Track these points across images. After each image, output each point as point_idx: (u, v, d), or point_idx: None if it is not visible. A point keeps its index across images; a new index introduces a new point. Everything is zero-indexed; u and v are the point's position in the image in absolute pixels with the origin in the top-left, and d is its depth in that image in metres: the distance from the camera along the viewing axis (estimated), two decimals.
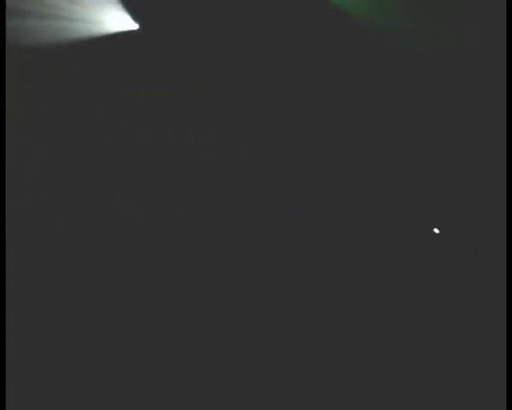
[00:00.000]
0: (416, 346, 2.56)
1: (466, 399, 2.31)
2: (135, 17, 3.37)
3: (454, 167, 3.25)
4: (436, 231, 3.01)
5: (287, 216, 3.15)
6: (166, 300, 2.69)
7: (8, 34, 2.76)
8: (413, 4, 3.13)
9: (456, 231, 3.09)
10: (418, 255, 3.02)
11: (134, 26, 3.37)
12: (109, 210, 3.03)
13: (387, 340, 2.60)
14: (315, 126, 3.36)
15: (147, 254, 2.87)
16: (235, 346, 2.49)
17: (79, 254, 2.82)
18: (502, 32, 2.80)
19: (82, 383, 2.16)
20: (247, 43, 3.44)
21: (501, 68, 2.85)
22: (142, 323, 2.52)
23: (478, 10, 3.07)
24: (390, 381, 2.39)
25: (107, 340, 2.40)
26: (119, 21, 3.36)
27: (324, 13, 3.28)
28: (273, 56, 3.40)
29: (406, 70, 3.28)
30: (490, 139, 3.12)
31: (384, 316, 2.72)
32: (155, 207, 3.12)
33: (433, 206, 3.20)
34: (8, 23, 2.77)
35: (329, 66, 3.37)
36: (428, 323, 2.68)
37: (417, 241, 3.10)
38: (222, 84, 3.44)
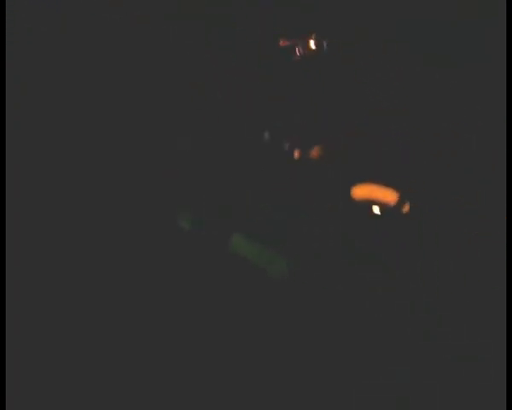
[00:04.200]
0: (416, 344, 2.58)
1: (466, 398, 2.33)
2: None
3: (453, 167, 3.27)
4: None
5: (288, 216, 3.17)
6: (166, 298, 2.70)
7: None
8: None
9: (455, 230, 3.10)
10: (417, 253, 3.04)
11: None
12: (110, 210, 3.04)
13: (386, 338, 2.62)
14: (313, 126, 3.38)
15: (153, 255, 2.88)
16: (235, 342, 2.50)
17: (79, 254, 2.84)
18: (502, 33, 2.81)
19: (82, 383, 2.18)
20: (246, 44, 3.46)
21: (501, 69, 2.87)
22: (141, 323, 2.54)
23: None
24: (389, 379, 2.41)
25: (106, 340, 2.42)
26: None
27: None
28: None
29: (405, 71, 3.30)
30: (489, 139, 3.14)
31: (383, 313, 2.74)
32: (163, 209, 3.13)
33: (432, 205, 3.22)
34: None
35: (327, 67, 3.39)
36: (428, 320, 2.70)
37: (416, 239, 3.12)
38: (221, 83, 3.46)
